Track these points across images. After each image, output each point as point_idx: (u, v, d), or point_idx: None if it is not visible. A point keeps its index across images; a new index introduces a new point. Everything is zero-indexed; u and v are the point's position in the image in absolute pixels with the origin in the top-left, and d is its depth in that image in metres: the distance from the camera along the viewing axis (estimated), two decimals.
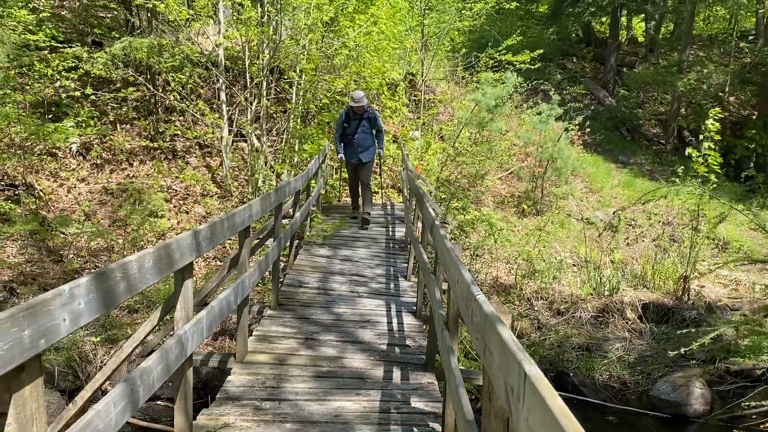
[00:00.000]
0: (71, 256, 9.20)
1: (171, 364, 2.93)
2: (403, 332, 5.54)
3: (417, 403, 4.06)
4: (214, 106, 12.23)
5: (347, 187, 11.21)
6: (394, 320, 5.85)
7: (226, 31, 11.36)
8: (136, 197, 10.59)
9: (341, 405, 3.97)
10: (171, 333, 5.20)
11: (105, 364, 3.69)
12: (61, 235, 9.57)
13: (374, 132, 9.70)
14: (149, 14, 12.67)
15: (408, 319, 5.91)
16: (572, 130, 14.85)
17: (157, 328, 4.69)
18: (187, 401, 3.32)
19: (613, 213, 13.08)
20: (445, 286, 4.55)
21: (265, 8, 10.69)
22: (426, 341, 5.30)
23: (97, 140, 11.92)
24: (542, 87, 18.74)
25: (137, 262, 2.54)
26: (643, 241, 12.56)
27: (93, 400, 4.67)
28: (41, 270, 8.73)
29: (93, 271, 2.25)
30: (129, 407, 2.49)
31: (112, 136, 12.10)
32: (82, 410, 3.33)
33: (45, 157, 11.32)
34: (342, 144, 9.69)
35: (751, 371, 7.85)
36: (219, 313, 3.80)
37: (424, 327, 5.75)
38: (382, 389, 4.26)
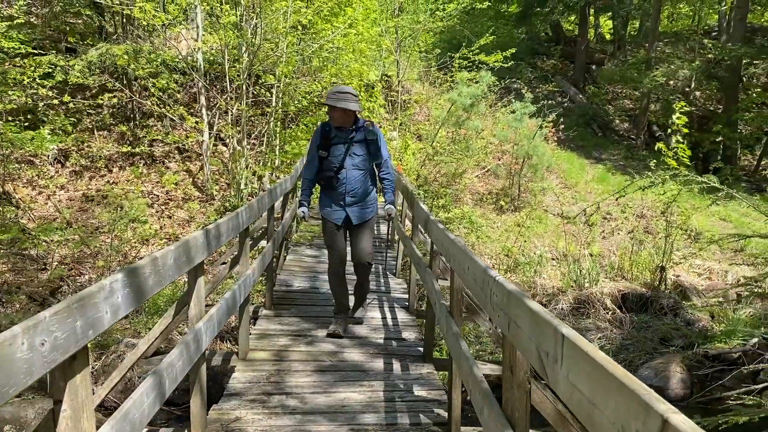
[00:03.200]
0: (55, 263, 9.16)
1: (191, 357, 3.03)
2: (398, 326, 5.68)
3: (420, 392, 4.20)
4: (192, 111, 12.24)
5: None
6: (388, 315, 6.00)
7: (204, 35, 11.39)
8: (117, 203, 10.58)
9: (346, 396, 4.10)
10: (171, 336, 5.27)
11: (121, 362, 3.76)
12: (44, 243, 9.52)
13: (375, 166, 5.25)
14: (124, 20, 12.64)
15: (401, 314, 6.06)
16: (546, 127, 15.17)
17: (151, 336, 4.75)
18: (202, 396, 3.41)
19: (587, 208, 13.39)
20: (443, 282, 4.72)
21: (243, 12, 10.76)
22: (420, 334, 5.46)
23: (75, 147, 11.85)
24: (515, 86, 19.07)
25: (162, 258, 2.64)
26: (618, 233, 12.89)
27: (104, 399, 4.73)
28: (26, 278, 8.69)
29: (125, 266, 2.35)
30: (158, 398, 2.59)
31: (90, 143, 12.05)
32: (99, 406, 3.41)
33: (22, 165, 11.23)
34: (311, 189, 5.25)
35: (728, 355, 8.16)
36: (226, 310, 3.89)
37: (418, 321, 5.90)
38: (384, 380, 4.39)
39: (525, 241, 11.73)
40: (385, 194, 5.31)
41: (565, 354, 1.41)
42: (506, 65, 15.98)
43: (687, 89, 20.67)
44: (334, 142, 4.99)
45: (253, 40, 10.75)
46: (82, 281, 8.85)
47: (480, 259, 2.58)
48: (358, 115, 5.10)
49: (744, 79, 19.95)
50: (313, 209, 7.52)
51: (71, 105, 11.60)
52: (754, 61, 18.47)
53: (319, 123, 5.43)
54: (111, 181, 11.54)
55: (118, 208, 10.44)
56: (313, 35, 11.92)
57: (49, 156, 11.53)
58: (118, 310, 2.17)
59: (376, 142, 5.06)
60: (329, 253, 5.29)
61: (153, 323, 7.34)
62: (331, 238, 5.20)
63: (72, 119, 11.92)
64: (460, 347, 2.98)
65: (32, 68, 10.58)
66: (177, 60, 11.48)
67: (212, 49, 12.31)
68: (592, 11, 24.21)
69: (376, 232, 10.02)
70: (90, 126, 12.49)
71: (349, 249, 5.35)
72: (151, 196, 11.29)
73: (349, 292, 5.54)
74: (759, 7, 21.45)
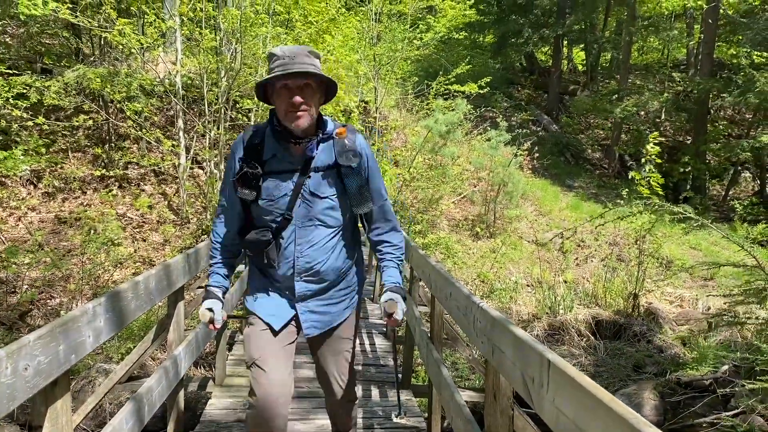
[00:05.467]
0: (25, 287, 8.98)
1: (170, 383, 3.00)
2: (376, 352, 5.67)
3: (398, 419, 4.19)
4: (169, 133, 12.19)
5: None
6: (366, 341, 5.99)
7: (182, 59, 11.40)
8: (90, 226, 10.44)
9: (325, 423, 4.06)
10: (144, 361, 5.19)
11: (92, 387, 3.69)
12: (14, 265, 9.33)
13: (364, 216, 2.60)
14: (102, 41, 12.59)
15: (379, 340, 6.05)
16: (521, 155, 15.40)
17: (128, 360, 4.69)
18: (179, 422, 3.37)
19: (563, 233, 13.58)
20: (422, 308, 4.74)
21: (223, 36, 10.81)
22: (398, 360, 5.45)
23: (48, 168, 11.71)
24: (490, 114, 19.37)
25: (144, 282, 2.63)
26: (592, 261, 13.05)
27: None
28: None
29: (108, 290, 2.35)
30: (137, 425, 2.56)
31: (63, 164, 11.91)
32: None
33: None
34: (229, 262, 2.64)
35: (700, 381, 8.27)
36: (204, 336, 3.87)
37: (397, 347, 5.90)
38: (363, 407, 4.37)
39: (500, 268, 11.82)
40: (383, 271, 2.62)
41: (551, 379, 1.44)
42: (482, 92, 16.23)
43: (657, 120, 21.18)
44: (271, 169, 2.42)
45: (233, 64, 10.79)
46: (52, 305, 8.68)
47: (462, 285, 2.61)
48: (331, 126, 2.50)
49: (711, 111, 20.51)
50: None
51: (45, 126, 11.47)
52: (721, 94, 19.00)
53: (241, 134, 2.54)
54: (85, 203, 11.39)
55: (91, 231, 10.30)
56: None
57: (21, 177, 11.36)
58: (100, 334, 2.15)
59: (361, 169, 2.46)
60: (252, 388, 2.46)
61: (126, 348, 7.23)
62: (261, 351, 2.47)
63: (46, 140, 11.78)
64: (441, 374, 2.99)
65: (6, 88, 10.46)
66: (155, 83, 11.46)
67: (190, 72, 12.32)
68: (565, 43, 24.76)
69: None
70: (64, 147, 12.36)
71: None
72: (125, 218, 11.16)
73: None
74: (724, 44, 22.15)
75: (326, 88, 2.44)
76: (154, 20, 10.40)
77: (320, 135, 2.41)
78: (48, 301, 8.80)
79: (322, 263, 2.47)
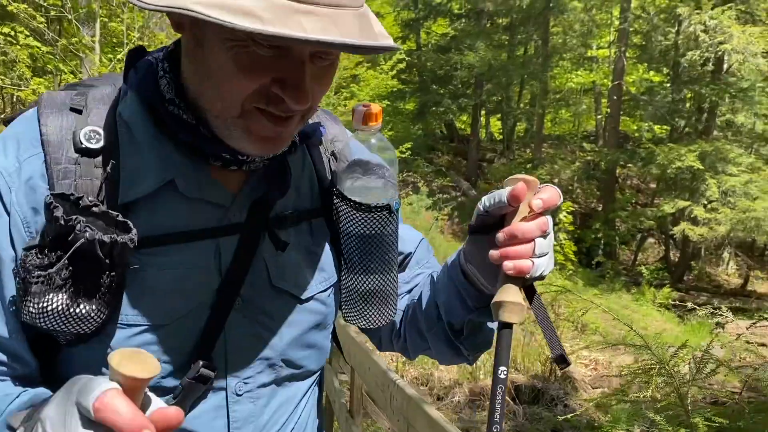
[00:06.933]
0: None
1: None
2: None
3: None
4: None
5: None
6: None
7: None
8: None
9: None
10: None
11: None
12: None
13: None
14: (14, 99, 12.20)
15: None
16: (442, 219, 15.77)
17: None
18: None
19: None
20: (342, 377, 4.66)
21: None
22: None
23: None
24: (412, 179, 19.81)
25: None
26: None
27: None
28: None
29: None
30: None
31: None
32: None
33: None
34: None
35: None
36: None
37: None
38: None
39: None
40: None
41: None
42: (404, 156, 16.63)
43: (570, 187, 22.26)
44: (153, 232, 0.80)
45: None
46: None
47: (381, 359, 2.61)
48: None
49: (619, 180, 21.80)
50: None
51: None
52: (627, 165, 20.26)
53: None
54: None
55: None
56: None
57: None
58: None
59: (391, 226, 0.94)
60: None
61: None
62: None
63: None
64: None
65: None
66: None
67: None
68: (483, 113, 25.92)
69: None
70: None
71: None
72: None
73: None
74: (628, 118, 23.80)
75: None
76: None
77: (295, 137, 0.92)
78: None
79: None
